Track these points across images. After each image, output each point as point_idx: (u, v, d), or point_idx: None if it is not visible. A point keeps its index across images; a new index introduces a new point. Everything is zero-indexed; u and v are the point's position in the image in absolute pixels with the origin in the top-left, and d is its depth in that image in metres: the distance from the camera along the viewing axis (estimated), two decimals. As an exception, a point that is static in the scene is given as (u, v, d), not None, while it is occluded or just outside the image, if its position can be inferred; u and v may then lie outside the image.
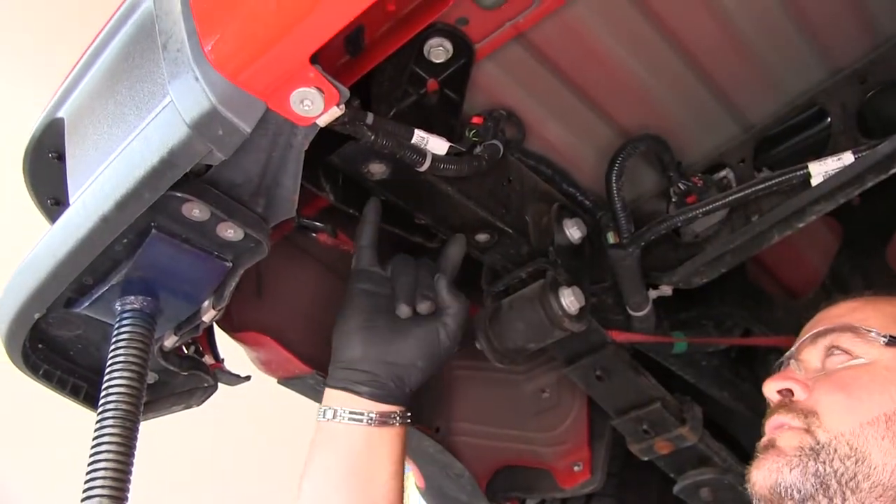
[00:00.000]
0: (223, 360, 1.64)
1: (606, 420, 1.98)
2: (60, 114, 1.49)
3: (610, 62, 1.58)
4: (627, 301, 1.77)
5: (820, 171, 1.49)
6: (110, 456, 1.16)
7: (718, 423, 2.09)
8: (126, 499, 1.16)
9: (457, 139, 1.49)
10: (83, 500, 1.14)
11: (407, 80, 1.45)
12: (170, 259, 1.26)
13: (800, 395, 1.42)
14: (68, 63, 1.51)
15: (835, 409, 1.37)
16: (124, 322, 1.27)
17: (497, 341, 1.62)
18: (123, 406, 1.19)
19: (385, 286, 1.52)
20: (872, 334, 1.43)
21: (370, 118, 1.32)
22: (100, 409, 1.20)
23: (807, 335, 1.50)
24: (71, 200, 1.29)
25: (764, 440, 1.42)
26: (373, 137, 1.32)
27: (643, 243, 1.68)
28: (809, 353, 1.49)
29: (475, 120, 1.54)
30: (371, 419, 1.45)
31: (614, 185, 1.65)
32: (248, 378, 1.67)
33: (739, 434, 2.12)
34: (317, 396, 1.65)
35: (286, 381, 1.75)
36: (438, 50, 1.44)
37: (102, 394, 1.21)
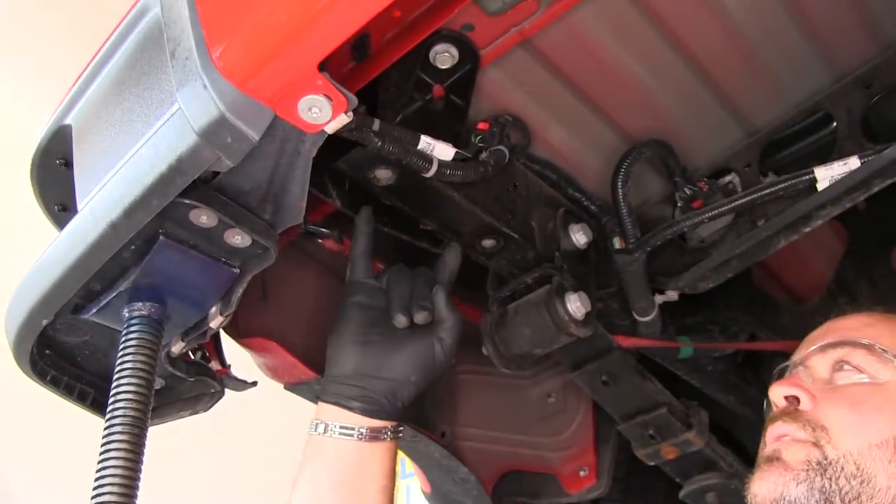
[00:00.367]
0: (230, 365, 1.64)
1: (612, 425, 1.98)
2: (68, 120, 1.49)
3: (615, 67, 1.58)
4: (633, 306, 1.77)
5: (826, 175, 1.49)
6: (119, 462, 1.16)
7: (724, 428, 2.09)
8: (134, 504, 1.17)
9: (462, 145, 1.49)
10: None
11: (413, 86, 1.45)
12: (177, 265, 1.26)
13: (806, 404, 1.41)
14: (73, 69, 1.51)
15: (845, 427, 1.36)
16: (132, 328, 1.28)
17: (503, 346, 1.63)
18: (132, 412, 1.20)
19: (380, 298, 1.52)
20: (888, 354, 1.42)
21: (376, 124, 1.32)
22: (108, 415, 1.20)
23: (816, 344, 1.49)
24: (79, 207, 1.30)
25: (768, 451, 1.41)
26: (379, 143, 1.33)
27: (649, 248, 1.68)
28: (818, 363, 1.47)
29: (481, 125, 1.54)
30: (362, 434, 1.45)
31: (620, 190, 1.65)
32: (254, 384, 1.67)
33: (745, 439, 2.12)
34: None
35: (292, 386, 1.75)
36: (444, 56, 1.44)
37: (111, 400, 1.21)
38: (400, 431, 1.51)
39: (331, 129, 1.16)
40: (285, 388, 1.78)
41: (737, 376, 2.07)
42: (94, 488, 1.15)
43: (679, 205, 1.73)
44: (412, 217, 1.56)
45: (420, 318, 1.50)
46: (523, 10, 1.41)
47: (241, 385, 1.64)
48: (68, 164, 1.56)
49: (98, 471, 1.16)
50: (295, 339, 1.69)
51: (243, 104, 1.07)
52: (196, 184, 1.16)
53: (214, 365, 1.60)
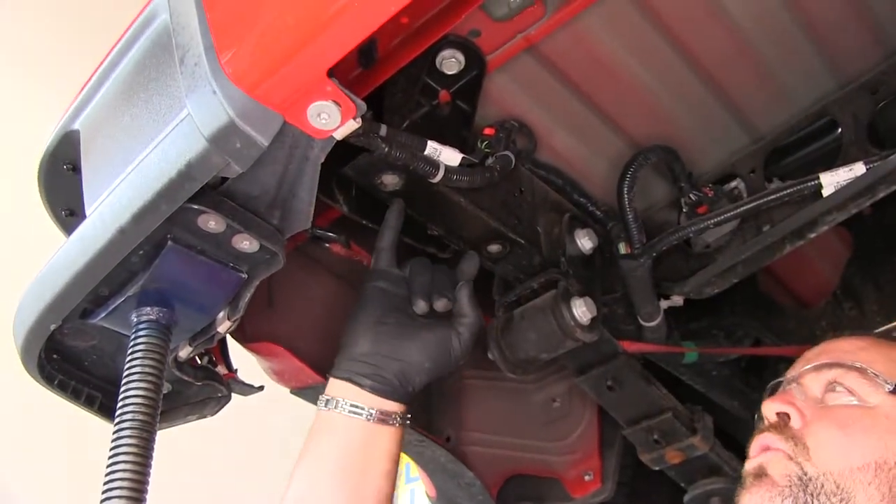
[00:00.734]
0: (236, 370, 1.64)
1: (617, 429, 1.98)
2: (76, 126, 1.50)
3: (620, 73, 1.59)
4: (639, 311, 1.77)
5: (831, 181, 1.50)
6: (128, 466, 1.16)
7: (729, 433, 2.09)
8: (143, 508, 1.17)
9: (469, 150, 1.50)
10: (101, 509, 1.15)
11: (419, 91, 1.46)
12: (185, 270, 1.27)
13: (795, 422, 1.42)
14: (81, 75, 1.52)
15: (828, 446, 1.37)
16: (140, 333, 1.28)
17: (509, 351, 1.63)
18: (140, 416, 1.20)
19: (401, 287, 1.52)
20: (879, 379, 1.42)
21: (383, 130, 1.33)
22: (117, 419, 1.21)
23: (811, 363, 1.50)
24: (87, 212, 1.30)
25: (753, 466, 1.42)
26: (386, 149, 1.33)
27: (654, 254, 1.69)
28: (811, 382, 1.48)
29: (487, 131, 1.55)
30: (371, 415, 1.44)
31: (626, 195, 1.66)
32: (261, 388, 1.67)
33: (750, 443, 2.12)
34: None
35: (299, 391, 1.76)
36: (451, 61, 1.45)
37: (119, 404, 1.22)
38: (408, 418, 1.50)
39: (339, 134, 1.16)
40: (291, 392, 1.78)
41: (741, 381, 2.07)
42: (104, 492, 1.15)
43: (684, 210, 1.74)
44: (419, 222, 1.57)
45: (440, 305, 1.51)
46: (529, 15, 1.42)
47: (248, 389, 1.64)
48: (76, 169, 1.57)
49: (107, 475, 1.17)
50: (301, 344, 1.70)
51: (252, 110, 1.08)
52: (204, 189, 1.16)
53: (221, 369, 1.61)
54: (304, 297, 1.76)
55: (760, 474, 1.39)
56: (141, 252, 1.24)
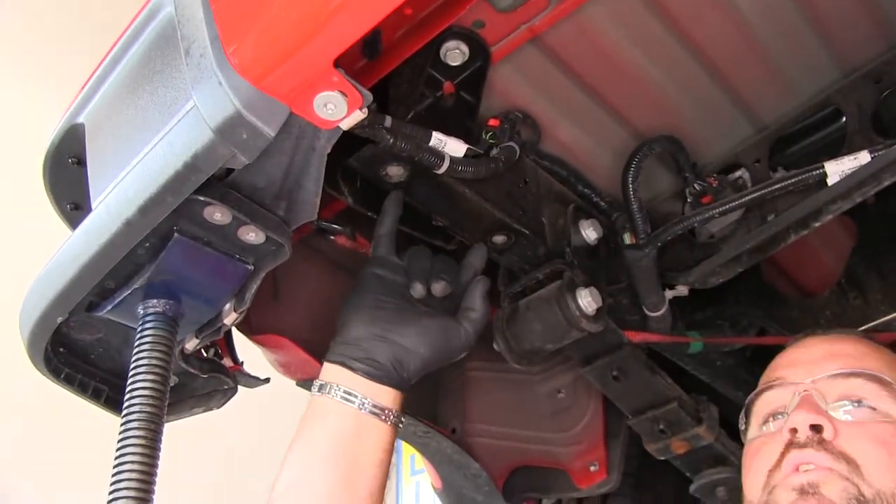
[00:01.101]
0: (242, 362, 1.64)
1: (622, 420, 1.98)
2: (81, 119, 1.50)
3: (624, 64, 1.58)
4: (644, 301, 1.77)
5: (836, 170, 1.50)
6: (136, 458, 1.17)
7: (734, 423, 2.09)
8: (151, 501, 1.17)
9: (473, 141, 1.49)
10: (109, 501, 1.15)
11: (424, 82, 1.46)
12: (192, 262, 1.27)
13: (829, 434, 1.37)
14: (85, 68, 1.52)
15: (877, 465, 1.33)
16: (147, 325, 1.28)
17: (515, 342, 1.63)
18: (148, 408, 1.21)
19: (399, 274, 1.51)
20: None
21: (388, 121, 1.33)
22: (124, 412, 1.21)
23: (825, 371, 1.46)
24: (93, 205, 1.30)
25: (796, 481, 1.35)
26: (391, 140, 1.33)
27: (659, 244, 1.68)
28: (828, 390, 1.44)
29: (491, 122, 1.55)
30: (363, 405, 1.42)
31: (630, 185, 1.66)
32: (267, 380, 1.68)
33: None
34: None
35: (305, 383, 1.76)
36: (455, 53, 1.44)
37: (126, 396, 1.22)
38: (401, 419, 1.48)
39: (346, 125, 1.16)
40: (297, 384, 1.78)
41: (746, 371, 2.06)
42: (112, 484, 1.16)
43: (689, 200, 1.74)
44: (424, 214, 1.57)
45: (438, 288, 1.50)
46: (533, 6, 1.42)
47: (254, 381, 1.65)
48: (81, 162, 1.57)
49: (115, 467, 1.17)
50: (307, 336, 1.70)
51: (259, 101, 1.08)
52: (210, 181, 1.16)
53: (227, 362, 1.61)
54: (309, 289, 1.76)
55: (808, 492, 1.33)
56: (147, 244, 1.24)
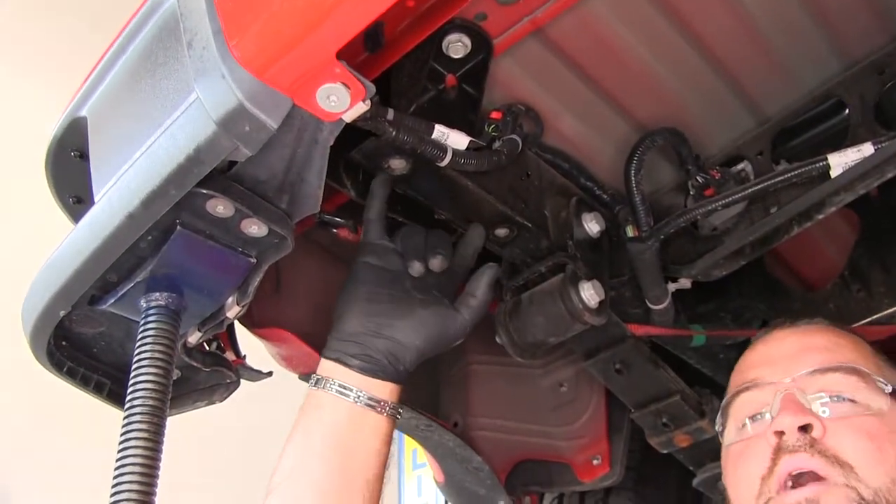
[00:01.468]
0: (245, 356, 1.64)
1: (625, 413, 1.98)
2: (83, 113, 1.50)
3: (627, 56, 1.58)
4: (646, 294, 1.77)
5: (839, 162, 1.49)
6: (139, 451, 1.17)
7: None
8: (154, 494, 1.17)
9: (476, 134, 1.49)
10: (112, 495, 1.15)
11: (426, 75, 1.46)
12: (194, 255, 1.27)
13: (818, 432, 1.36)
14: (88, 61, 1.52)
15: (869, 462, 1.32)
16: (150, 318, 1.28)
17: (517, 335, 1.63)
18: (151, 402, 1.21)
19: (393, 261, 1.50)
20: (880, 382, 1.41)
21: (391, 114, 1.33)
22: (127, 405, 1.21)
23: (804, 370, 1.44)
24: (95, 198, 1.30)
25: (795, 500, 1.32)
26: (393, 133, 1.33)
27: (662, 236, 1.68)
28: (808, 386, 1.42)
29: (494, 115, 1.55)
30: (358, 398, 1.43)
31: (633, 178, 1.65)
32: (269, 374, 1.68)
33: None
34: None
35: (307, 376, 1.76)
36: (457, 45, 1.44)
37: (129, 390, 1.22)
38: (398, 410, 1.48)
39: (349, 117, 1.16)
40: (300, 377, 1.78)
41: (749, 364, 2.06)
42: (115, 477, 1.16)
43: (691, 193, 1.73)
44: (426, 206, 1.57)
45: (436, 263, 1.48)
46: (536, -1, 1.42)
47: (257, 375, 1.65)
48: (83, 156, 1.57)
49: (118, 460, 1.17)
50: (309, 329, 1.70)
51: (261, 93, 1.07)
52: (213, 173, 1.16)
53: (230, 355, 1.61)
54: (311, 283, 1.76)
55: None
56: (149, 237, 1.24)
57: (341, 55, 1.10)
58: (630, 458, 2.08)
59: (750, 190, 1.60)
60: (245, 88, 1.06)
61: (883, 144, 1.47)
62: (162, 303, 1.29)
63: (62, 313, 1.34)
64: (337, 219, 1.58)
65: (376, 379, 1.44)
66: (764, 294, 1.99)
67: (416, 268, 1.48)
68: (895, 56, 1.59)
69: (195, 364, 1.50)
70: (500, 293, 1.68)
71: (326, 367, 1.46)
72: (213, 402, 1.64)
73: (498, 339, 1.65)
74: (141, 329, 1.27)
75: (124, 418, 1.20)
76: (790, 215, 1.56)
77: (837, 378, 1.42)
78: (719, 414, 1.57)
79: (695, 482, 1.99)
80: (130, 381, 1.22)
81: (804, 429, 1.36)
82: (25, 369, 1.49)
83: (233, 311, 1.38)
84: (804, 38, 1.60)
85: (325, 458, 1.41)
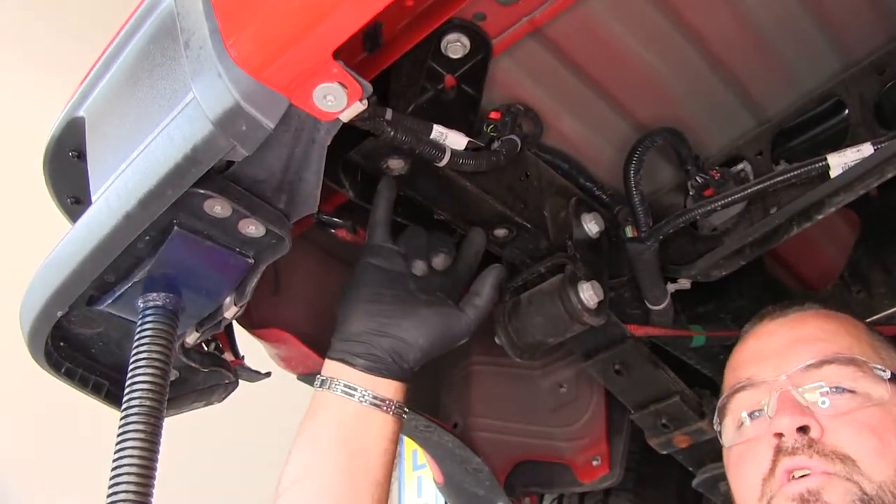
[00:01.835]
0: (243, 356, 1.64)
1: (625, 414, 1.98)
2: (81, 113, 1.50)
3: (626, 56, 1.58)
4: (646, 295, 1.77)
5: (839, 162, 1.49)
6: (135, 452, 1.17)
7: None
8: (151, 494, 1.17)
9: (475, 134, 1.49)
10: (109, 495, 1.15)
11: (424, 75, 1.46)
12: (192, 256, 1.27)
13: (816, 432, 1.34)
14: (85, 61, 1.52)
15: (872, 455, 1.31)
16: (147, 319, 1.28)
17: (516, 336, 1.62)
18: (148, 402, 1.20)
19: (396, 262, 1.50)
20: (878, 370, 1.39)
21: (389, 114, 1.33)
22: (124, 406, 1.21)
23: (798, 365, 1.42)
24: (93, 198, 1.30)
25: (796, 491, 1.32)
26: (392, 133, 1.33)
27: (661, 237, 1.68)
28: (804, 382, 1.41)
29: (493, 115, 1.55)
30: (364, 398, 1.42)
31: (632, 178, 1.65)
32: (268, 374, 1.67)
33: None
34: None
35: (306, 377, 1.76)
36: (456, 45, 1.44)
37: (126, 390, 1.22)
38: (404, 409, 1.48)
39: (346, 117, 1.16)
40: (298, 378, 1.78)
41: (749, 365, 2.06)
42: (112, 477, 1.15)
43: (691, 193, 1.73)
44: (425, 207, 1.56)
45: (438, 261, 1.49)
46: (535, -1, 1.41)
47: (255, 376, 1.65)
48: (81, 156, 1.57)
49: (115, 460, 1.17)
50: (308, 330, 1.70)
51: (258, 93, 1.07)
52: (210, 173, 1.16)
53: (228, 356, 1.61)
54: (310, 283, 1.76)
55: (811, 500, 1.30)
56: (147, 238, 1.24)
57: (339, 55, 1.09)
58: (630, 459, 2.08)
59: (749, 190, 1.60)
60: (242, 88, 1.06)
61: (882, 144, 1.47)
62: (159, 303, 1.29)
63: (60, 314, 1.34)
64: (335, 219, 1.58)
65: (381, 377, 1.44)
66: (764, 295, 1.98)
67: (420, 267, 1.49)
68: (895, 55, 1.59)
69: (193, 364, 1.50)
70: (500, 293, 1.68)
71: (331, 367, 1.46)
72: (211, 403, 1.64)
73: (497, 340, 1.65)
74: (138, 329, 1.27)
75: (121, 419, 1.20)
76: (790, 215, 1.56)
77: (833, 370, 1.40)
78: (716, 414, 1.56)
79: (694, 483, 1.98)
80: (127, 382, 1.22)
81: (803, 429, 1.35)
82: (26, 369, 1.48)
83: (230, 312, 1.38)
84: (804, 38, 1.60)
85: (333, 460, 1.41)
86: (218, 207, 1.21)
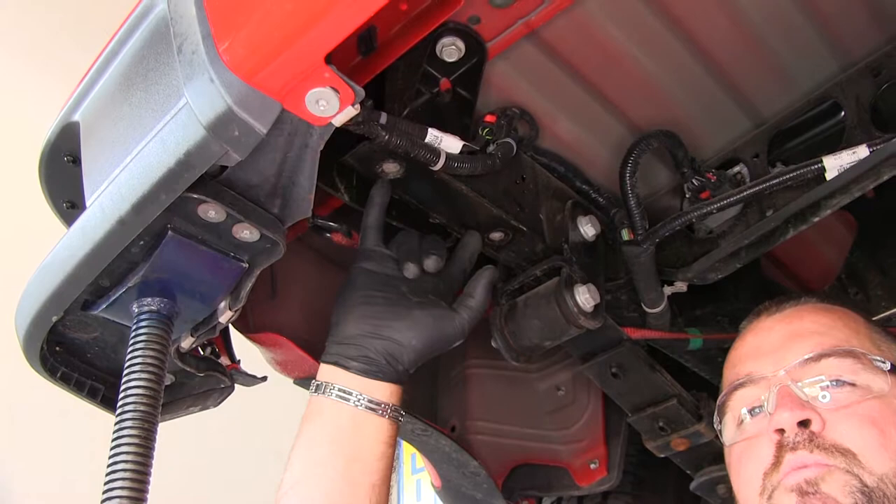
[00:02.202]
0: (239, 361, 1.64)
1: (622, 417, 1.98)
2: (76, 117, 1.50)
3: (621, 59, 1.58)
4: (642, 298, 1.76)
5: (835, 164, 1.49)
6: (129, 457, 1.16)
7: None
8: (145, 499, 1.17)
9: (470, 138, 1.49)
10: (103, 500, 1.15)
11: (420, 79, 1.45)
12: (186, 260, 1.27)
13: (817, 426, 1.34)
14: (80, 66, 1.52)
15: (873, 448, 1.31)
16: (141, 324, 1.28)
17: (513, 339, 1.62)
18: (142, 407, 1.20)
19: (389, 266, 1.51)
20: (878, 361, 1.39)
21: (384, 118, 1.33)
22: (119, 411, 1.21)
23: (795, 360, 1.42)
24: (87, 203, 1.30)
25: (792, 481, 1.32)
26: (387, 137, 1.33)
27: (658, 239, 1.68)
28: (803, 376, 1.41)
29: (488, 118, 1.55)
30: (359, 401, 1.43)
31: (628, 181, 1.65)
32: (264, 379, 1.67)
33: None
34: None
35: (302, 381, 1.76)
36: (451, 49, 1.44)
37: (121, 395, 1.22)
38: (399, 413, 1.48)
39: (338, 121, 1.16)
40: (294, 382, 1.78)
41: (746, 368, 2.06)
42: (106, 482, 1.15)
43: (687, 196, 1.73)
44: (421, 211, 1.56)
45: (430, 263, 1.50)
46: (530, 2, 1.41)
47: (251, 380, 1.65)
48: (76, 160, 1.57)
49: (109, 465, 1.16)
50: (304, 334, 1.70)
51: (251, 97, 1.07)
52: (204, 178, 1.16)
53: (224, 360, 1.60)
54: (306, 288, 1.76)
55: (808, 492, 1.30)
56: (141, 242, 1.24)
57: (335, 59, 1.10)
58: (628, 462, 2.08)
59: (746, 193, 1.59)
60: (234, 93, 1.06)
61: (878, 146, 1.46)
62: (154, 308, 1.29)
63: (54, 318, 1.34)
64: (330, 223, 1.57)
65: (375, 380, 1.45)
66: (761, 297, 1.97)
67: (411, 269, 1.49)
68: (891, 57, 1.58)
69: (189, 369, 1.50)
70: (496, 297, 1.68)
71: (325, 371, 1.46)
72: (207, 407, 1.64)
73: (493, 343, 1.65)
74: (132, 334, 1.27)
75: (115, 424, 1.20)
76: (786, 218, 1.56)
77: (832, 363, 1.40)
78: (716, 412, 1.56)
79: (692, 486, 1.98)
80: (122, 387, 1.22)
81: (804, 423, 1.35)
82: (24, 368, 1.48)
83: (225, 317, 1.38)
84: (800, 40, 1.60)
85: (331, 466, 1.41)
86: (212, 212, 1.22)
